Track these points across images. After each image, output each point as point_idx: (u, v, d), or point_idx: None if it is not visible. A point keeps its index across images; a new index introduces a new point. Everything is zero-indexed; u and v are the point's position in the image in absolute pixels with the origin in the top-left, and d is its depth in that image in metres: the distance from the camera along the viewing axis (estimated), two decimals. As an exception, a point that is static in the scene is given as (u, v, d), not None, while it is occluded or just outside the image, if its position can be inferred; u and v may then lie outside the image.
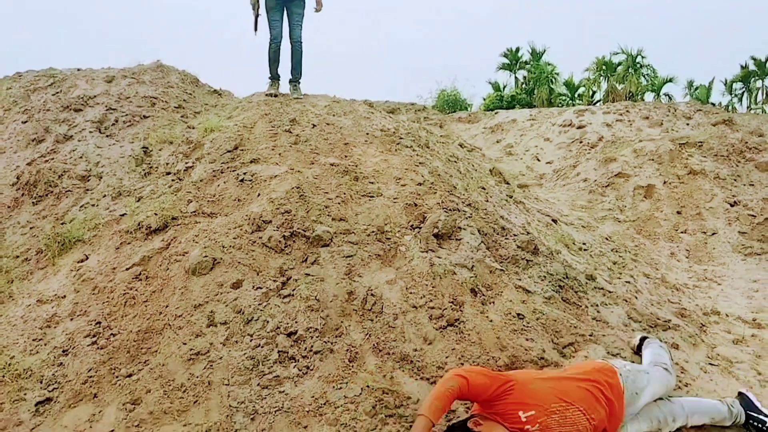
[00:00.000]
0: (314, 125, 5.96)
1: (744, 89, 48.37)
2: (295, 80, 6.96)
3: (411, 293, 4.01)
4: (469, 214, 4.76)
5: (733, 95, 49.11)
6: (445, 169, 5.71)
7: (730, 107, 47.96)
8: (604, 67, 45.85)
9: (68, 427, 3.35)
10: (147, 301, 4.05)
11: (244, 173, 5.11)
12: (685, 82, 48.62)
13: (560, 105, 44.30)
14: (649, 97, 44.89)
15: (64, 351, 3.81)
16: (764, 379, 4.15)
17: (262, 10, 6.75)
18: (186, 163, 5.62)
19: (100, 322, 3.95)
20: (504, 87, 48.17)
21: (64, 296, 4.29)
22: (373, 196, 4.87)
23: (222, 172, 5.23)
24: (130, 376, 3.59)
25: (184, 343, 3.69)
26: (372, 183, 5.05)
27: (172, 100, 7.22)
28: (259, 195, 4.80)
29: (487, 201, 5.51)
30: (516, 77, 48.67)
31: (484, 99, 44.80)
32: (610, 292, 4.78)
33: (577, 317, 4.21)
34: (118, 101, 6.93)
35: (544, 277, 4.44)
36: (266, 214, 4.49)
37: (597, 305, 4.47)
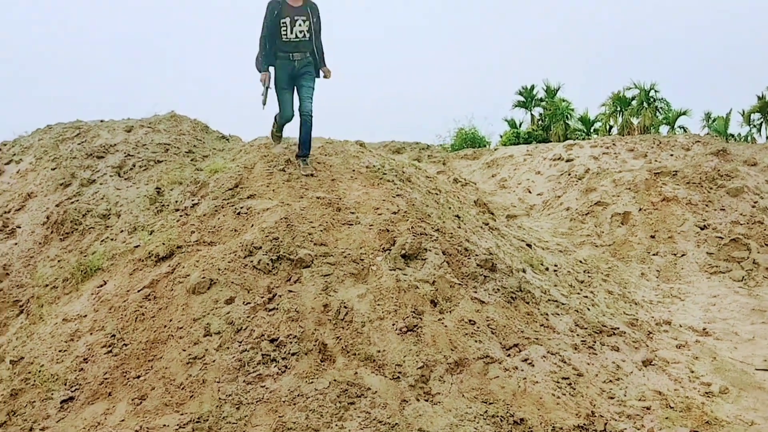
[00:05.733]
0: (307, 164, 6.69)
1: (762, 120, 48.45)
2: (304, 155, 6.67)
3: (378, 305, 4.66)
4: (436, 238, 5.41)
5: (751, 126, 49.21)
6: (422, 200, 6.38)
7: (749, 138, 48.00)
8: (618, 102, 46.43)
9: (87, 419, 4.02)
10: (154, 316, 4.75)
11: (241, 207, 5.84)
12: (703, 114, 48.84)
13: (576, 140, 44.69)
14: (663, 130, 45.31)
15: (84, 359, 4.51)
16: (695, 376, 4.70)
17: (272, 84, 6.48)
18: (193, 200, 6.39)
19: (114, 335, 4.65)
20: (520, 124, 48.78)
21: (86, 315, 5.01)
22: (352, 224, 5.55)
23: (222, 207, 5.97)
24: (138, 377, 4.27)
25: (184, 350, 4.36)
26: (352, 213, 5.74)
27: (183, 146, 8.05)
28: (252, 225, 5.52)
29: (460, 227, 6.15)
30: (532, 114, 49.32)
31: (501, 136, 45.43)
32: (563, 304, 5.37)
33: (526, 323, 4.81)
34: (135, 148, 7.77)
35: (499, 290, 5.06)
36: (257, 241, 5.19)
37: (547, 314, 5.06)
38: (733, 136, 45.15)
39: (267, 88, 6.46)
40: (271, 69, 6.50)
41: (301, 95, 6.48)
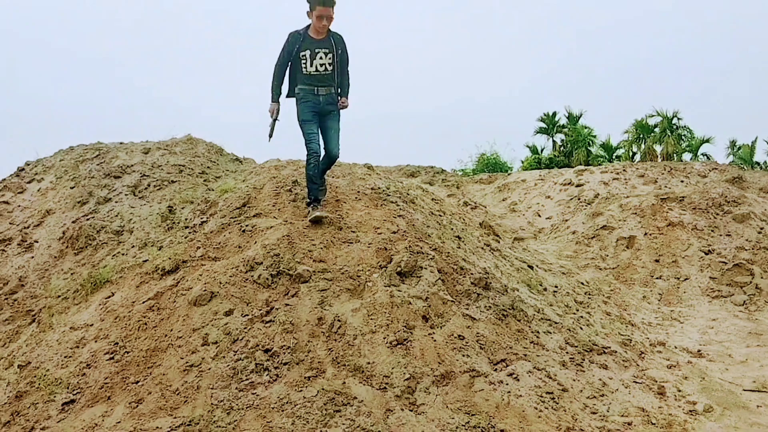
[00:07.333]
0: (313, 185, 6.90)
1: (788, 147, 47.76)
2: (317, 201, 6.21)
3: (371, 319, 4.81)
4: (432, 256, 5.56)
5: (776, 154, 48.54)
6: (424, 221, 6.54)
7: (773, 167, 47.31)
8: (641, 129, 46.19)
9: (85, 421, 4.21)
10: (156, 326, 4.95)
11: (247, 225, 6.06)
12: (728, 141, 48.30)
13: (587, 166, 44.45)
14: (686, 157, 44.96)
15: (87, 365, 4.72)
16: (681, 395, 4.75)
17: (279, 116, 6.17)
18: (202, 218, 6.63)
19: (117, 343, 4.86)
20: (542, 150, 48.69)
21: (92, 324, 5.23)
22: (351, 242, 5.73)
23: (229, 225, 6.19)
24: (137, 383, 4.45)
25: (182, 358, 4.55)
26: (353, 232, 5.92)
27: (197, 168, 8.35)
28: (255, 242, 5.72)
29: (459, 247, 6.29)
30: (554, 140, 49.22)
31: (523, 162, 45.36)
32: (556, 323, 5.46)
33: (516, 340, 4.92)
34: (151, 169, 8.08)
35: (490, 307, 5.18)
36: (259, 257, 5.39)
37: (538, 332, 5.16)
38: (758, 164, 44.61)
39: (275, 120, 6.17)
40: (286, 100, 6.15)
41: (327, 137, 6.12)
